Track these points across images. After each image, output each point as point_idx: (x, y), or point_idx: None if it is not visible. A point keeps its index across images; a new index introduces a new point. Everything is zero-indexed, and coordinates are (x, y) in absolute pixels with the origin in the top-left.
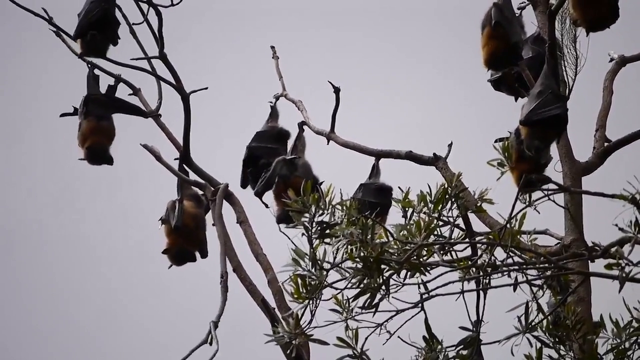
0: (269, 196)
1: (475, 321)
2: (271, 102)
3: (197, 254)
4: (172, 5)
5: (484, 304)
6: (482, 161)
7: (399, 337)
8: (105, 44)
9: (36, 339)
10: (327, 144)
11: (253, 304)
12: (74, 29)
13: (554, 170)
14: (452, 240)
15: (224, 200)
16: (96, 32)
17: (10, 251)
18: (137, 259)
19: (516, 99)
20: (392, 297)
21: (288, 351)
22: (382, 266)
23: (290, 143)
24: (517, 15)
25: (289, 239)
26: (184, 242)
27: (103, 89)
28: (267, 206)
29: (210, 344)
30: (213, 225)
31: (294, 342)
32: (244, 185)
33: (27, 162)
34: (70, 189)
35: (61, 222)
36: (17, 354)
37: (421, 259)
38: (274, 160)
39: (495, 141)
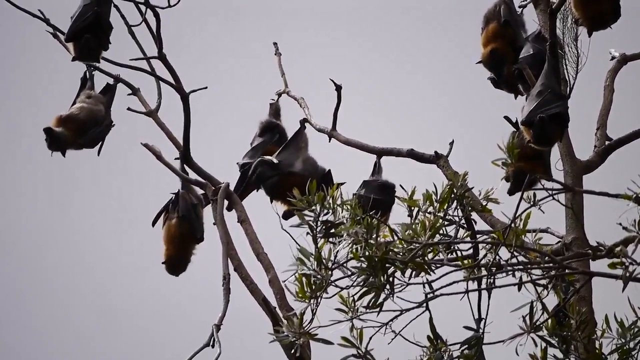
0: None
1: (477, 320)
2: (273, 100)
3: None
4: (170, 6)
5: (488, 304)
6: (483, 159)
7: (402, 336)
8: (99, 49)
9: (36, 339)
10: (329, 141)
11: (254, 303)
12: (66, 32)
13: (555, 169)
14: (457, 240)
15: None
16: (90, 36)
17: (10, 251)
18: (138, 259)
19: (516, 97)
20: (397, 296)
21: (292, 351)
22: (387, 265)
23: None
24: (518, 13)
25: (292, 238)
26: (186, 252)
27: (100, 89)
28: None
29: (213, 346)
30: (214, 224)
31: (297, 342)
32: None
33: (27, 162)
34: (69, 188)
35: (61, 222)
36: (17, 353)
37: (426, 259)
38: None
39: (504, 117)
